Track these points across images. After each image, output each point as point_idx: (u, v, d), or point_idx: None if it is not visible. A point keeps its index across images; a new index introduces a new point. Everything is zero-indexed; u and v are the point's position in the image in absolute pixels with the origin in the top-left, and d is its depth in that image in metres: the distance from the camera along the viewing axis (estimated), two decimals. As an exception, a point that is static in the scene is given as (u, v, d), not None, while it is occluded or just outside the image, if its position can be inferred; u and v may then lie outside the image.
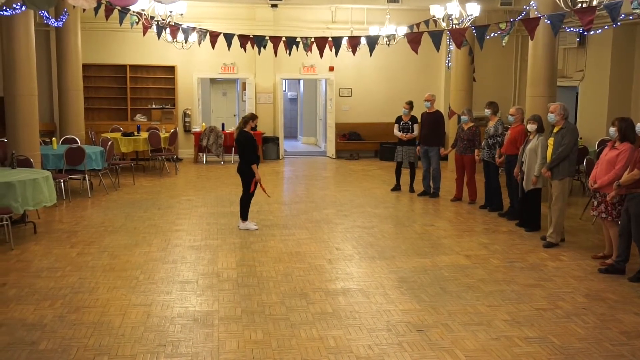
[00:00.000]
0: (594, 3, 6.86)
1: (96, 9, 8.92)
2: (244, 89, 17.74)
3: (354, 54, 10.55)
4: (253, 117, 8.64)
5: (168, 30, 10.36)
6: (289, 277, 6.58)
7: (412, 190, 11.56)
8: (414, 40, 9.34)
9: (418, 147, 11.27)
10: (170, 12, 10.03)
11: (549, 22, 7.84)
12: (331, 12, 16.18)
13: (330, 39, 10.31)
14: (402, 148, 11.44)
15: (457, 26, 9.90)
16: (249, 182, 8.52)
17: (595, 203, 7.09)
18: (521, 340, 5.03)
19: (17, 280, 6.39)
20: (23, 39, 9.53)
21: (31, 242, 7.91)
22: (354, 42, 10.24)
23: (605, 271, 6.80)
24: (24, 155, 9.33)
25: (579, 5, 7.02)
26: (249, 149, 8.46)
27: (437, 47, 9.23)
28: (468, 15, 9.83)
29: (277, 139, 16.52)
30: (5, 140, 10.10)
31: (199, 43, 11.28)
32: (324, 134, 17.92)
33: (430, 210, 10.25)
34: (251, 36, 10.57)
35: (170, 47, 13.82)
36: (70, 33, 13.22)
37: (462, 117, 10.59)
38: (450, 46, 13.84)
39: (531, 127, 8.36)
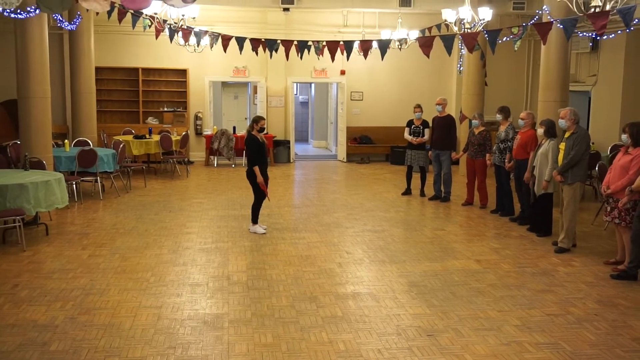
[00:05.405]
0: (607, 8, 6.82)
1: (109, 12, 8.99)
2: (255, 92, 17.79)
3: (365, 58, 10.54)
4: (257, 119, 8.56)
5: (180, 33, 10.42)
6: (299, 281, 6.59)
7: (422, 194, 11.53)
8: (425, 44, 9.33)
9: (430, 152, 11.25)
10: (183, 15, 10.10)
11: (561, 26, 7.80)
12: (343, 15, 16.20)
13: (341, 42, 10.31)
14: (412, 152, 11.42)
15: (469, 30, 9.87)
16: (255, 185, 8.54)
17: (609, 208, 7.04)
18: (532, 345, 5.00)
19: (29, 282, 6.44)
20: (37, 42, 9.61)
21: (43, 244, 7.96)
22: (365, 45, 10.24)
23: (617, 277, 6.75)
24: (36, 157, 9.40)
25: (592, 9, 6.98)
26: (251, 151, 8.47)
27: (449, 51, 9.24)
28: (480, 20, 9.80)
29: (288, 142, 16.54)
30: (19, 142, 10.18)
31: (211, 46, 11.34)
32: (335, 137, 17.92)
33: (441, 214, 10.22)
34: (263, 40, 10.60)
35: (182, 50, 13.89)
36: (84, 36, 13.32)
37: (473, 121, 10.55)
38: (462, 50, 13.79)
39: (539, 131, 8.36)
